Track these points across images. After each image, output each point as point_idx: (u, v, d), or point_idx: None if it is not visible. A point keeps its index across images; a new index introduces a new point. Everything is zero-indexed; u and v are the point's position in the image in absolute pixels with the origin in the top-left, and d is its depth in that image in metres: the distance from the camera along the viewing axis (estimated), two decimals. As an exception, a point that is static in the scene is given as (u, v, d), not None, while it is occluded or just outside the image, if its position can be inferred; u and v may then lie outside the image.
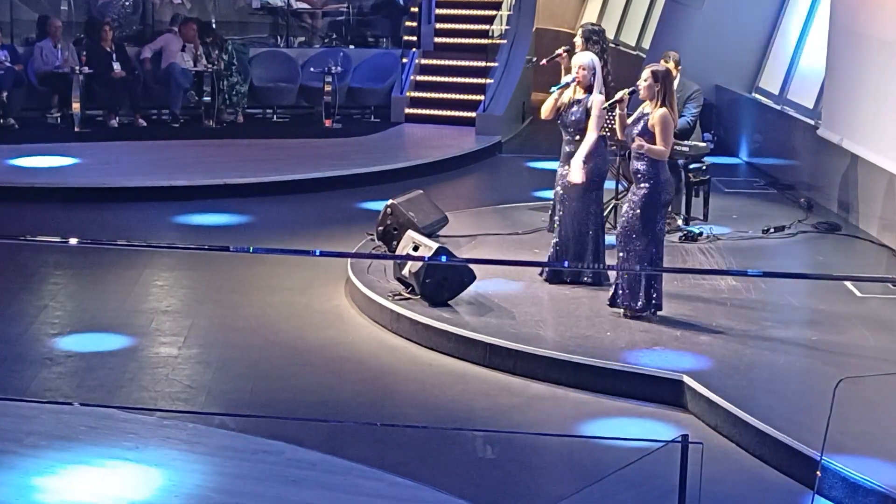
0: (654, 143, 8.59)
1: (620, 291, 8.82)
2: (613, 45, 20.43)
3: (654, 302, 8.77)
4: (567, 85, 9.48)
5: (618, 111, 9.01)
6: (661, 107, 8.65)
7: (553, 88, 9.57)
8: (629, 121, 8.90)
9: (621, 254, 8.82)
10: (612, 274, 9.32)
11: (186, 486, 6.18)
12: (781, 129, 14.30)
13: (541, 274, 9.67)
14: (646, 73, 8.75)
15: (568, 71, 9.85)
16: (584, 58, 9.50)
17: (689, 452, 5.01)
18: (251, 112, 17.36)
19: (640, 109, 8.88)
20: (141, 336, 8.75)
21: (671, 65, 11.06)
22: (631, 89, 8.91)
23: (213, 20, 17.88)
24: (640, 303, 8.73)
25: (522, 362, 8.22)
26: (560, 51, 10.34)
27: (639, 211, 8.69)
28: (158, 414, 7.27)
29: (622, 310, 8.81)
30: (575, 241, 9.51)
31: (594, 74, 9.36)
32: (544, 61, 10.85)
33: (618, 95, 9.03)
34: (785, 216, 12.02)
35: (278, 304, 9.56)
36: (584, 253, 9.47)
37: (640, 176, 8.71)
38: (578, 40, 10.14)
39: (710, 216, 11.60)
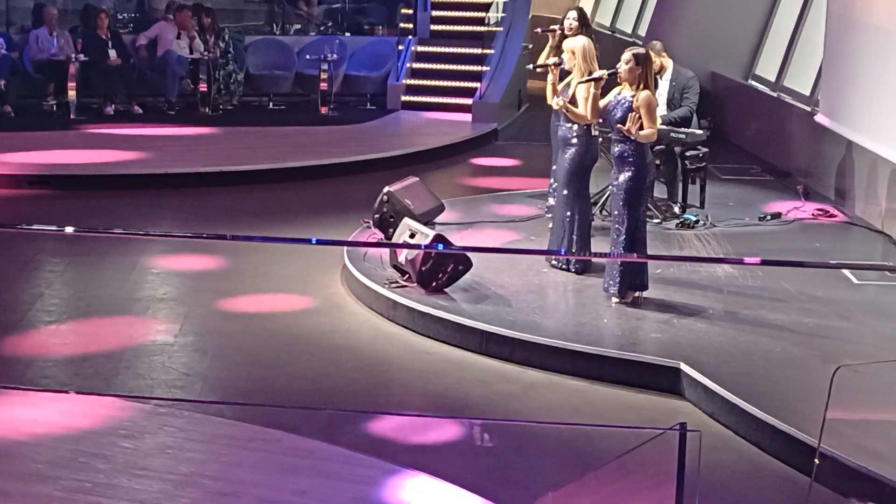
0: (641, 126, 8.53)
1: (609, 278, 8.80)
2: (609, 32, 20.43)
3: (638, 282, 8.75)
4: (548, 65, 9.56)
5: (592, 90, 8.87)
6: (644, 89, 8.59)
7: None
8: (603, 102, 8.81)
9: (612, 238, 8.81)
10: (600, 260, 9.31)
11: (183, 475, 6.17)
12: (778, 116, 14.29)
13: (557, 264, 9.63)
14: (627, 56, 8.62)
15: (554, 48, 10.28)
16: (573, 42, 9.51)
17: (687, 440, 5.00)
18: (247, 100, 17.34)
19: (616, 92, 8.79)
20: (137, 324, 8.74)
21: (654, 53, 11.12)
22: (611, 71, 8.79)
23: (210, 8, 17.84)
24: (625, 285, 8.70)
25: (519, 350, 8.21)
26: (555, 27, 10.56)
27: (623, 194, 8.65)
28: (154, 402, 7.25)
29: (616, 297, 8.79)
30: (557, 227, 9.51)
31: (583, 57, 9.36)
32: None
33: (596, 74, 8.95)
34: (782, 203, 12.01)
35: (275, 292, 9.54)
36: (564, 239, 9.42)
37: (624, 159, 8.66)
38: (573, 23, 10.33)
39: (707, 203, 11.59)
